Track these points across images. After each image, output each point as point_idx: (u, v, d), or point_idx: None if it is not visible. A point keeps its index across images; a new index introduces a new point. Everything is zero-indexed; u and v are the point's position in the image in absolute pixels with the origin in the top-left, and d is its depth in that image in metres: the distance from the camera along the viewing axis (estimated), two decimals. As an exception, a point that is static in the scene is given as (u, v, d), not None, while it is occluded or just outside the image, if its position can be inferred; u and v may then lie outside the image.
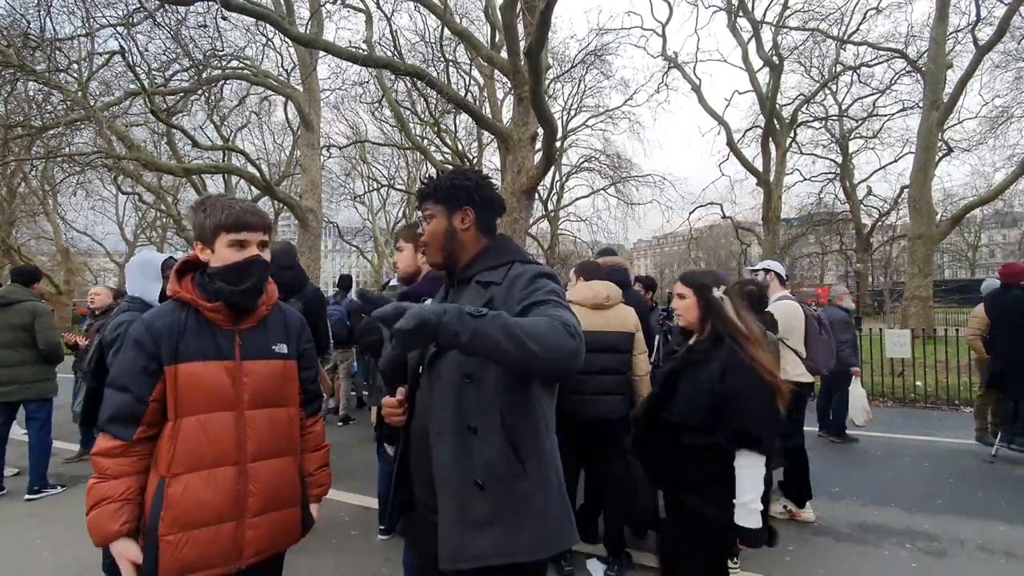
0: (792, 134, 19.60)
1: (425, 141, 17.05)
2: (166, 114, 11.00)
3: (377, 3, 11.47)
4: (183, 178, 14.92)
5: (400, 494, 1.47)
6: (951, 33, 13.25)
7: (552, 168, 15.34)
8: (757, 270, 4.23)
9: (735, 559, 2.90)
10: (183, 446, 1.41)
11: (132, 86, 10.16)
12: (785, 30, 16.58)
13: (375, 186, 23.92)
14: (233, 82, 13.89)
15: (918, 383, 8.07)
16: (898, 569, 3.09)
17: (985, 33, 12.13)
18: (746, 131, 19.51)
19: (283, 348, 1.60)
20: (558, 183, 23.87)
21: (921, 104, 13.59)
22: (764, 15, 15.81)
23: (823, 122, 21.30)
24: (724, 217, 21.52)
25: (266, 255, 1.54)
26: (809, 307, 4.27)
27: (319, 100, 12.90)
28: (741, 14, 15.28)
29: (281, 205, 12.13)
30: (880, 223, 24.48)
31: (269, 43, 12.51)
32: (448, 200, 1.41)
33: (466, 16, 15.20)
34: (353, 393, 6.96)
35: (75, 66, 9.38)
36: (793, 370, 3.71)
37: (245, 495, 1.47)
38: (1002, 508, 3.90)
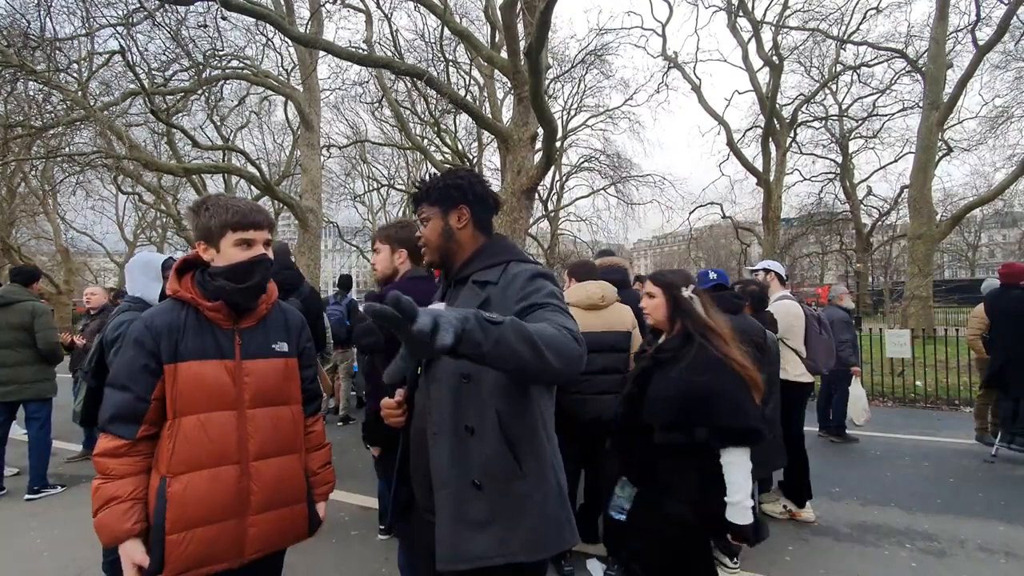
0: (792, 134, 19.56)
1: (425, 141, 17.03)
2: (166, 114, 10.98)
3: (377, 3, 11.48)
4: (183, 178, 14.91)
5: (400, 495, 1.47)
6: (951, 33, 13.25)
7: (552, 168, 15.33)
8: (757, 270, 4.24)
9: (735, 559, 2.90)
10: (183, 445, 1.40)
11: (132, 86, 10.14)
12: (785, 30, 16.57)
13: (375, 186, 23.98)
14: (233, 82, 13.88)
15: (918, 383, 8.07)
16: (898, 569, 3.09)
17: (985, 33, 12.14)
18: (746, 131, 19.57)
19: (283, 347, 1.60)
20: (558, 183, 23.85)
21: (921, 104, 13.61)
22: (764, 15, 15.81)
23: (823, 122, 21.33)
24: (724, 217, 21.54)
25: (271, 254, 1.54)
26: (809, 307, 4.28)
27: (319, 100, 12.88)
28: (741, 14, 15.27)
29: (281, 205, 12.09)
30: (880, 223, 24.53)
31: (269, 43, 12.50)
32: (443, 200, 1.41)
33: (466, 16, 15.23)
34: (353, 393, 6.97)
35: (75, 66, 9.36)
36: (793, 370, 3.73)
37: (247, 493, 1.47)
38: (1002, 508, 3.89)
